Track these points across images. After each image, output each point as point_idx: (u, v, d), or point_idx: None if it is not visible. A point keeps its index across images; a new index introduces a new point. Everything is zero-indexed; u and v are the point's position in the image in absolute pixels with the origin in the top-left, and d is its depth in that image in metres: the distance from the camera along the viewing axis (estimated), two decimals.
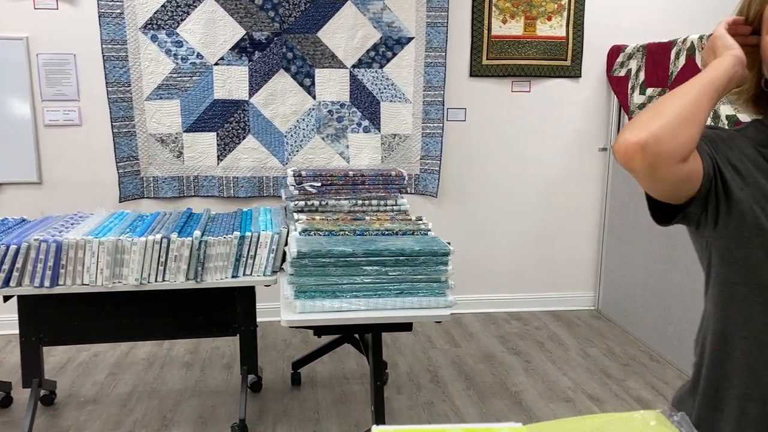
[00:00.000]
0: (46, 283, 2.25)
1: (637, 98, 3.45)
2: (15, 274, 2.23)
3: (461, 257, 3.81)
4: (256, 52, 3.44)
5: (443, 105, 3.64)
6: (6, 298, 2.39)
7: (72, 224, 2.50)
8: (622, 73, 3.60)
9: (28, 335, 2.45)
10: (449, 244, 2.10)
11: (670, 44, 3.11)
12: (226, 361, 3.20)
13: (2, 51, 3.25)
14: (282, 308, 2.01)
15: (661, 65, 3.20)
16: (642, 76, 3.39)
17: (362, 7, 3.46)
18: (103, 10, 3.27)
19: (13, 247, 2.21)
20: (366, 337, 2.54)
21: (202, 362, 3.20)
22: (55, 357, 3.20)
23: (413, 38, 3.55)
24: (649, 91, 3.32)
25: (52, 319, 2.46)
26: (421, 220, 2.42)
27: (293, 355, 3.23)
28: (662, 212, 1.00)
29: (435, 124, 3.65)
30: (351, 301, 1.99)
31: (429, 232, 2.27)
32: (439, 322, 2.01)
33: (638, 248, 3.53)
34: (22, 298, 2.37)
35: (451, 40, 3.60)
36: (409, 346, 3.41)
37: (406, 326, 2.05)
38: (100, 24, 3.28)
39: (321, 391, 2.92)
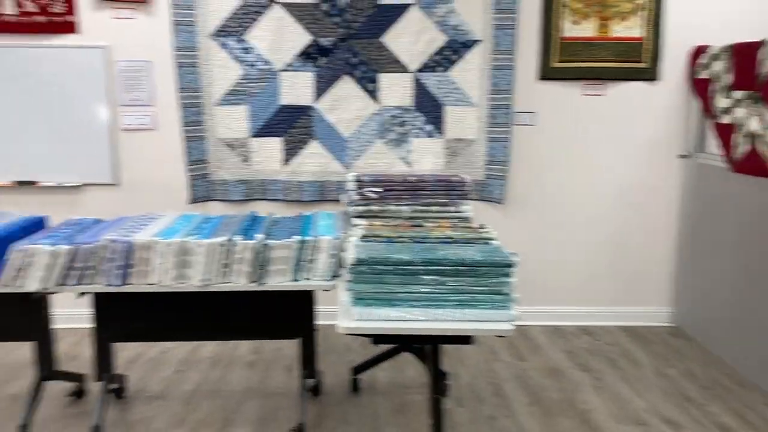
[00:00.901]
0: (117, 281, 2.33)
1: (722, 102, 3.22)
2: (87, 272, 2.32)
3: (528, 267, 3.66)
4: (322, 57, 3.45)
5: (510, 109, 3.53)
6: (80, 295, 2.49)
7: (142, 225, 2.58)
8: (706, 75, 3.36)
9: (100, 332, 2.55)
10: (514, 254, 2.01)
11: (759, 44, 2.88)
12: (287, 363, 3.23)
13: (85, 58, 3.43)
14: (339, 314, 1.98)
15: (750, 67, 2.96)
16: (728, 78, 3.15)
17: (427, 11, 3.41)
18: (176, 19, 3.38)
19: (85, 246, 2.30)
20: (425, 348, 2.48)
21: (265, 363, 3.23)
22: (128, 351, 3.32)
23: (480, 41, 3.46)
24: (737, 94, 3.09)
25: (122, 316, 2.55)
26: (484, 228, 2.34)
27: (354, 360, 3.21)
28: None
29: (502, 129, 3.55)
30: (408, 311, 1.93)
31: (492, 241, 2.19)
32: (502, 336, 1.93)
33: (721, 261, 3.28)
34: (95, 296, 2.47)
35: (520, 42, 3.48)
36: (472, 357, 3.32)
37: (465, 339, 1.98)
38: (174, 32, 3.40)
39: (380, 398, 2.88)
